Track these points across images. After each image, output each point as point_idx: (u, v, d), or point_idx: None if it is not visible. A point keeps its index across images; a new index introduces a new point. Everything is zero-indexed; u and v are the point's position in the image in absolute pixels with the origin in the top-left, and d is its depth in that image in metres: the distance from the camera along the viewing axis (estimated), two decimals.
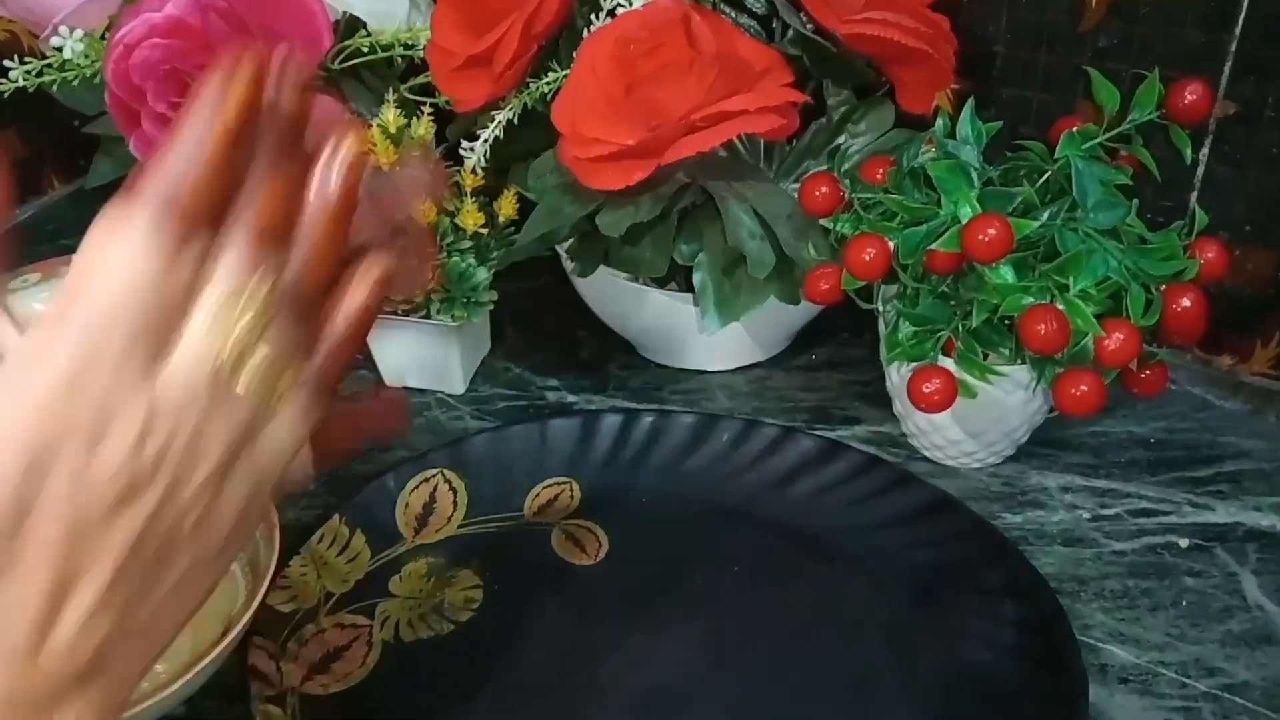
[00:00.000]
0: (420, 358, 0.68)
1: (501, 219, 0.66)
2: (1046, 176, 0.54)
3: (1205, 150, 0.62)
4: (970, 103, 0.55)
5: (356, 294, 0.33)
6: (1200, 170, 0.63)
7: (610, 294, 0.67)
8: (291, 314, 0.30)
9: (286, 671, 0.50)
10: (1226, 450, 0.63)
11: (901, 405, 0.61)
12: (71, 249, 0.81)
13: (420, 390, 0.70)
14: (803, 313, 0.68)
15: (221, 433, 0.29)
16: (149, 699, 0.45)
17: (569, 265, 0.65)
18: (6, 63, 0.69)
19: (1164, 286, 0.50)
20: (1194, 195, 0.62)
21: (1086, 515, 0.59)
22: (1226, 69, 0.59)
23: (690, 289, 0.62)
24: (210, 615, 0.52)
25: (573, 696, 0.50)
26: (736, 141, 0.63)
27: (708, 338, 0.66)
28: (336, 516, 0.57)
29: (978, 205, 0.51)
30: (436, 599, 0.55)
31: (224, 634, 0.47)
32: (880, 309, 0.58)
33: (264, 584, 0.50)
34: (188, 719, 0.50)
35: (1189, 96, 0.53)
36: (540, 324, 0.76)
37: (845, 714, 0.49)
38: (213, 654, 0.46)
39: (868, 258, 0.52)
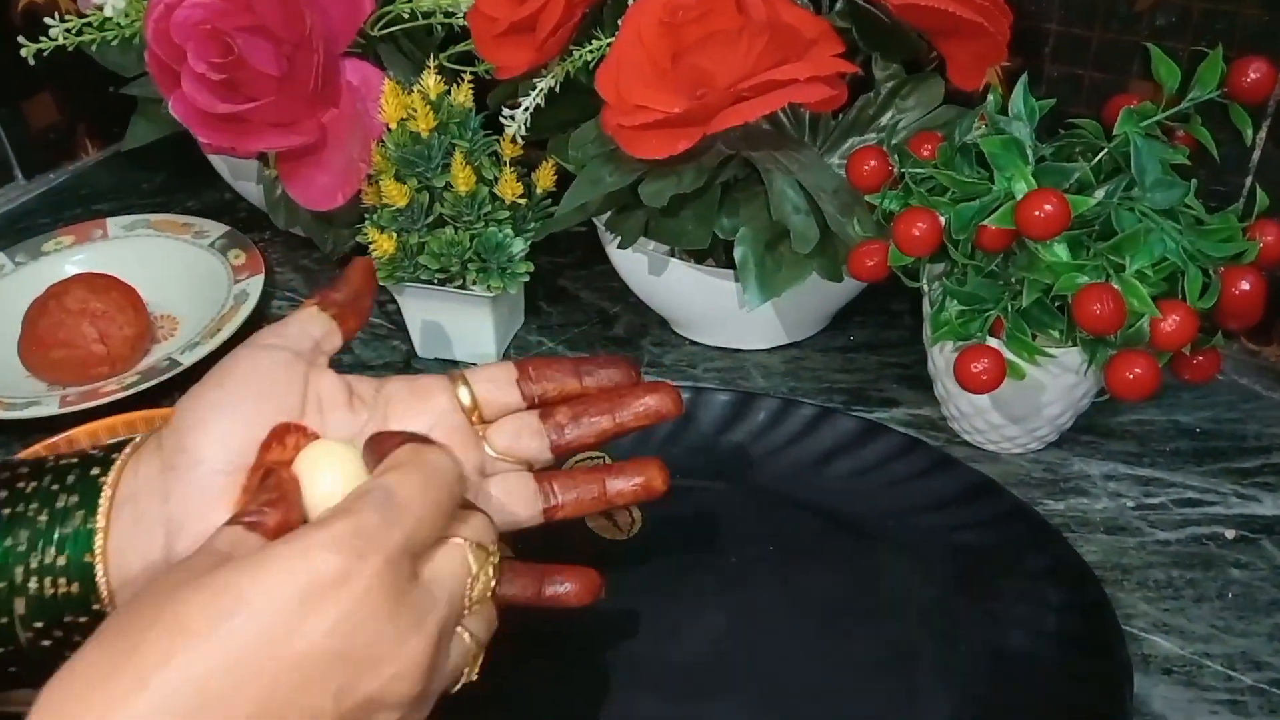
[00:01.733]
0: (454, 328, 0.67)
1: (539, 190, 0.65)
2: (1102, 155, 0.52)
3: (1262, 133, 0.60)
4: (1024, 79, 0.54)
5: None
6: (1256, 154, 0.61)
7: (647, 269, 0.66)
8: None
9: None
10: (1274, 441, 0.61)
11: (943, 388, 0.60)
12: (104, 213, 0.82)
13: (453, 361, 0.69)
14: (840, 293, 0.67)
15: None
16: None
17: (607, 238, 0.64)
18: (47, 20, 0.69)
19: (1222, 269, 0.49)
20: (1249, 179, 0.60)
21: (1130, 504, 0.58)
22: None
23: (727, 264, 0.61)
24: None
25: (605, 672, 0.49)
26: (781, 115, 0.62)
27: (743, 316, 0.66)
28: None
29: (1033, 181, 0.49)
30: None
31: None
32: (926, 288, 0.57)
33: None
34: None
35: (1252, 75, 0.51)
36: (575, 299, 0.75)
37: (881, 697, 0.48)
38: None
39: (918, 233, 0.50)
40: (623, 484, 0.45)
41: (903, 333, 0.70)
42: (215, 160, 0.78)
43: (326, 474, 0.39)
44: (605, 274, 0.72)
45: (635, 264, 0.66)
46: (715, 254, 0.64)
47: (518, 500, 0.44)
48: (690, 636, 0.51)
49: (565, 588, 0.44)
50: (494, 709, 0.48)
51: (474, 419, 0.44)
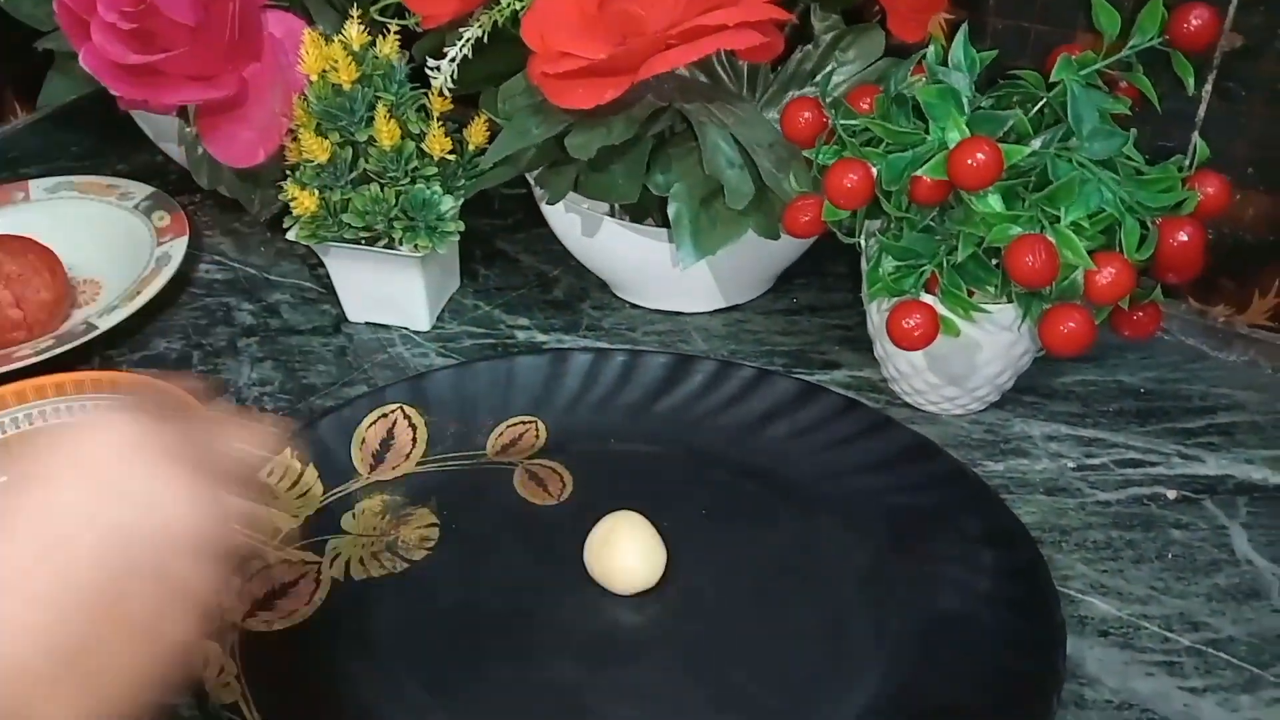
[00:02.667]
0: (384, 291, 0.65)
1: (471, 147, 0.63)
2: (1041, 105, 0.51)
3: (1208, 87, 0.59)
4: (964, 28, 0.52)
5: None
6: (1202, 108, 0.60)
7: (584, 229, 0.64)
8: None
9: (228, 607, 0.48)
10: (1220, 402, 0.60)
11: (882, 348, 0.59)
12: (31, 176, 0.78)
13: (384, 326, 0.67)
14: (783, 253, 0.65)
15: None
16: None
17: (539, 193, 0.62)
18: None
19: (1160, 220, 0.47)
20: (1195, 134, 0.59)
21: (1071, 464, 0.56)
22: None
23: (665, 224, 0.60)
24: None
25: (527, 638, 0.48)
26: (717, 66, 0.60)
27: (683, 278, 0.64)
28: (287, 450, 0.55)
29: (966, 130, 0.48)
30: (390, 537, 0.53)
31: None
32: (863, 244, 0.55)
33: None
34: None
35: (1194, 22, 0.50)
36: (514, 263, 0.73)
37: (814, 660, 0.47)
38: None
39: (849, 184, 0.49)
40: None
41: (846, 295, 0.68)
42: (139, 120, 0.75)
43: (631, 546, 0.48)
44: (545, 237, 0.70)
45: (572, 224, 0.64)
46: (654, 214, 0.63)
47: None
48: (618, 601, 0.49)
49: None
50: (416, 675, 0.46)
51: None
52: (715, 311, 0.68)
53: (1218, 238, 0.63)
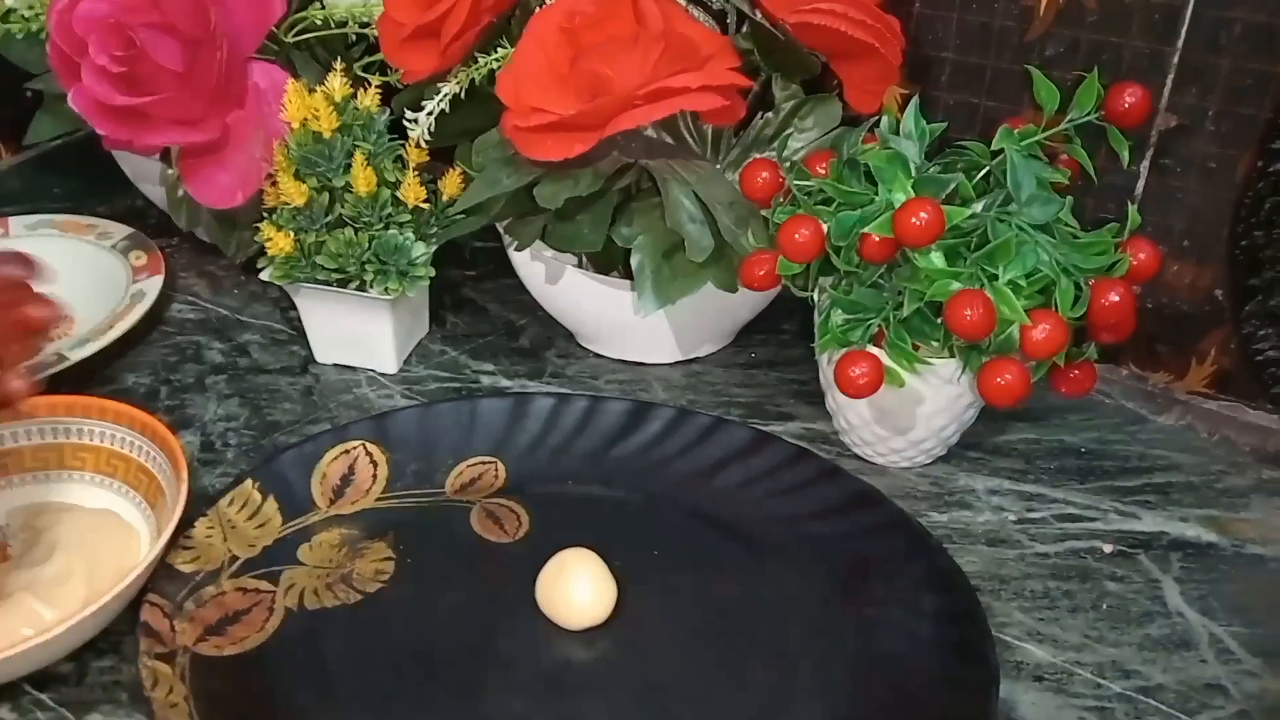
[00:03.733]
0: (353, 332, 0.66)
1: (445, 197, 0.65)
2: (985, 172, 0.54)
3: (1145, 163, 0.62)
4: (915, 99, 0.55)
5: None
6: (1140, 183, 0.63)
7: (551, 278, 0.66)
8: None
9: (180, 630, 0.48)
10: (1157, 463, 0.63)
11: (834, 400, 0.61)
12: (15, 213, 0.79)
13: (351, 367, 0.68)
14: (742, 309, 0.68)
15: None
16: (32, 641, 0.43)
17: (508, 241, 0.64)
18: None
19: (1092, 281, 0.50)
20: (1134, 206, 0.62)
21: (1012, 517, 0.58)
22: (1169, 80, 0.59)
23: (631, 278, 0.62)
24: (108, 570, 0.51)
25: (477, 672, 0.49)
26: (683, 129, 0.62)
27: (646, 330, 0.66)
28: (249, 481, 0.56)
29: (911, 191, 0.50)
30: (346, 569, 0.53)
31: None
32: (815, 299, 0.58)
33: (161, 541, 0.48)
34: (74, 676, 0.48)
35: (1128, 99, 0.53)
36: (482, 311, 0.75)
37: (756, 698, 0.48)
38: (101, 601, 0.45)
39: (800, 238, 0.51)
40: None
41: (803, 351, 0.70)
42: (120, 161, 0.77)
43: (582, 580, 0.50)
44: (514, 288, 0.72)
45: (539, 273, 0.66)
46: (619, 267, 0.65)
47: None
48: (568, 638, 0.50)
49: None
50: (365, 706, 0.47)
51: None
52: (676, 363, 0.70)
53: (1156, 307, 0.66)
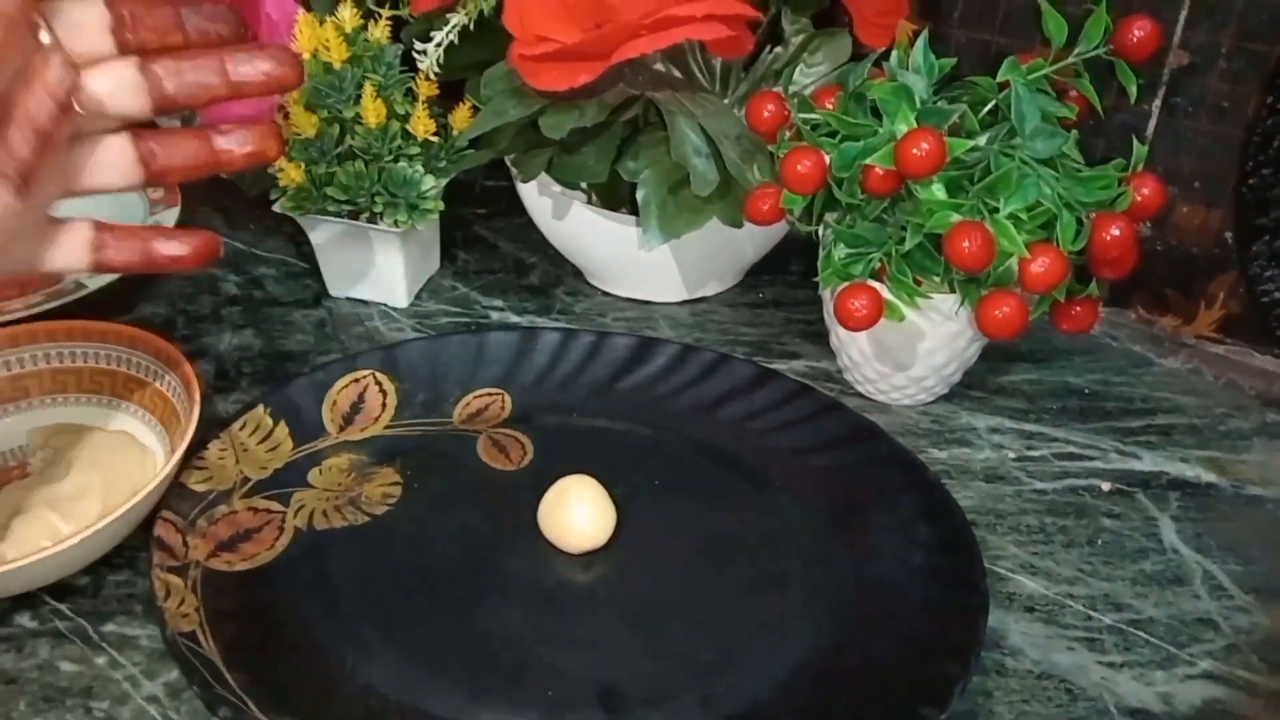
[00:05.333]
0: (365, 265, 0.67)
1: (455, 132, 0.65)
2: (990, 106, 0.53)
3: (1157, 103, 0.62)
4: (924, 34, 0.55)
5: (41, 85, 0.36)
6: (1151, 123, 0.62)
7: (560, 214, 0.67)
8: None
9: (192, 545, 0.50)
10: (1161, 404, 0.63)
11: (837, 336, 0.61)
12: None
13: (363, 301, 0.69)
14: (750, 248, 0.68)
15: None
16: (49, 550, 0.45)
17: (516, 175, 0.65)
18: None
19: (1094, 215, 0.50)
20: (1146, 147, 0.62)
21: (1011, 455, 0.59)
22: (1182, 16, 0.59)
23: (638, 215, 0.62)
24: (123, 487, 0.52)
25: (477, 590, 0.50)
26: (691, 63, 0.62)
27: (654, 268, 0.67)
28: (261, 406, 0.57)
29: (914, 122, 0.50)
30: (354, 492, 0.55)
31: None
32: (820, 234, 0.58)
33: (174, 459, 0.50)
34: (91, 589, 0.50)
35: (1137, 33, 0.52)
36: (492, 249, 0.75)
37: (748, 620, 0.49)
38: (116, 514, 0.46)
39: (802, 169, 0.51)
40: (234, 146, 0.42)
41: (809, 292, 0.71)
42: None
43: (582, 504, 0.51)
44: (524, 226, 0.73)
45: (548, 209, 0.67)
46: (628, 205, 0.65)
47: (112, 167, 0.40)
48: (568, 560, 0.51)
49: (177, 249, 0.43)
50: (369, 617, 0.48)
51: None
52: (683, 302, 0.70)
53: (1165, 250, 0.65)
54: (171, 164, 0.41)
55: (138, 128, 0.41)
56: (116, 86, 0.39)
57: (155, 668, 0.46)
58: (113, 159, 0.40)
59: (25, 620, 0.48)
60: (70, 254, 0.41)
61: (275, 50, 0.40)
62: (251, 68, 0.40)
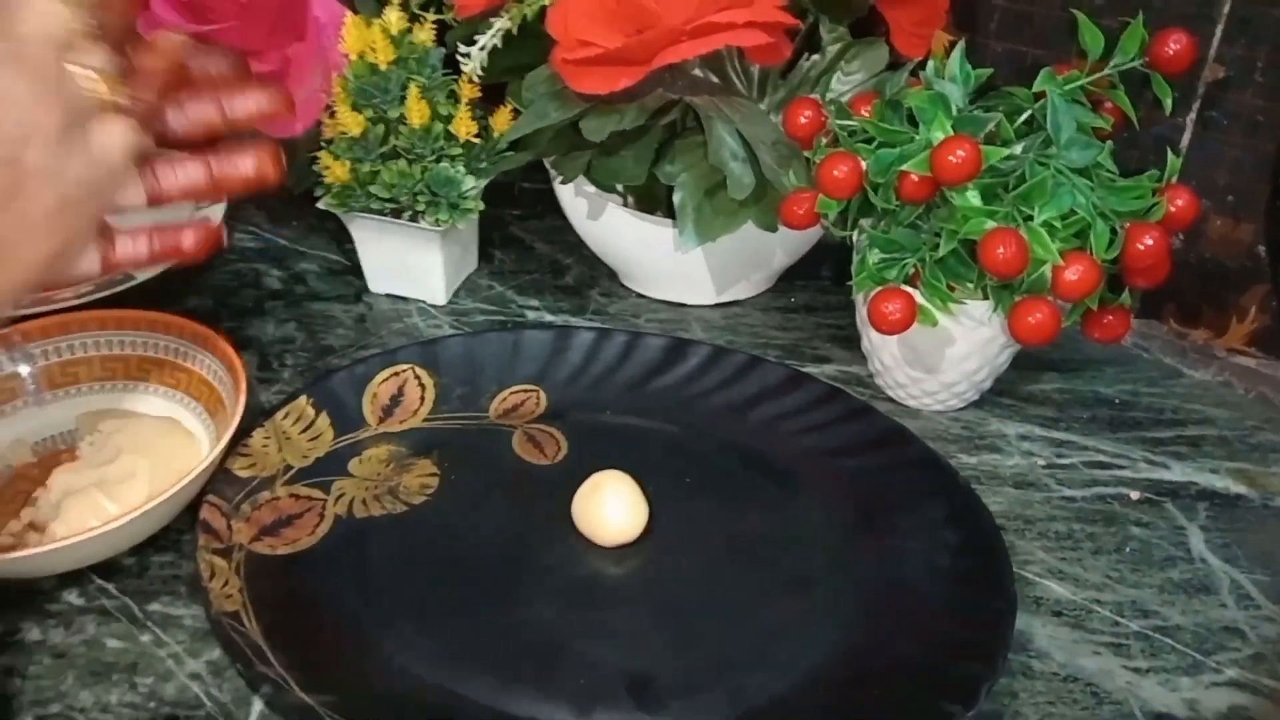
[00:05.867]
0: (405, 263, 0.69)
1: (496, 134, 0.67)
2: (1026, 115, 0.54)
3: (1192, 116, 0.62)
4: (961, 44, 0.56)
5: (161, 42, 0.40)
6: (1186, 136, 0.63)
7: (596, 216, 0.68)
8: (107, 39, 0.37)
9: (236, 529, 0.51)
10: (1191, 416, 0.63)
11: (869, 341, 0.62)
12: None
13: (403, 298, 0.71)
14: (782, 252, 0.69)
15: (55, 100, 0.35)
16: (98, 530, 0.46)
17: (554, 176, 0.66)
18: None
19: (1128, 225, 0.50)
20: (1180, 160, 0.62)
21: (1041, 462, 0.59)
22: (1219, 31, 0.59)
23: (674, 218, 0.63)
24: (170, 471, 0.54)
25: (511, 580, 0.51)
26: (729, 70, 0.64)
27: (688, 271, 0.68)
28: (304, 397, 0.58)
29: (950, 130, 0.51)
30: (393, 482, 0.56)
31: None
32: (854, 240, 0.59)
33: (220, 446, 0.51)
34: (136, 569, 0.51)
35: (1173, 46, 0.53)
36: (529, 250, 0.77)
37: (774, 618, 0.49)
38: (163, 496, 0.48)
39: (838, 174, 0.52)
40: (230, 170, 0.43)
41: (841, 297, 0.71)
42: None
43: (616, 499, 0.52)
44: (561, 229, 0.74)
45: (585, 211, 0.68)
46: (664, 208, 0.66)
47: (123, 189, 0.41)
48: (600, 553, 0.52)
49: (180, 241, 0.44)
50: (404, 604, 0.49)
51: None
52: (716, 305, 0.71)
53: (1198, 263, 0.66)
54: (171, 186, 0.42)
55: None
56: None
57: (198, 646, 0.48)
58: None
59: (73, 598, 0.50)
60: (85, 259, 0.42)
61: (269, 86, 0.43)
62: (251, 104, 0.42)
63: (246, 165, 0.43)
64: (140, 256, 0.44)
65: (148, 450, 0.55)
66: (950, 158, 0.49)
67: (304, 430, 0.57)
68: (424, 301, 0.70)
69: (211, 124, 0.42)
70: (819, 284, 0.73)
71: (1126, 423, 0.62)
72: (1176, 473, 0.59)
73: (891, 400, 0.63)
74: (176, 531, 0.53)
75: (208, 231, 0.45)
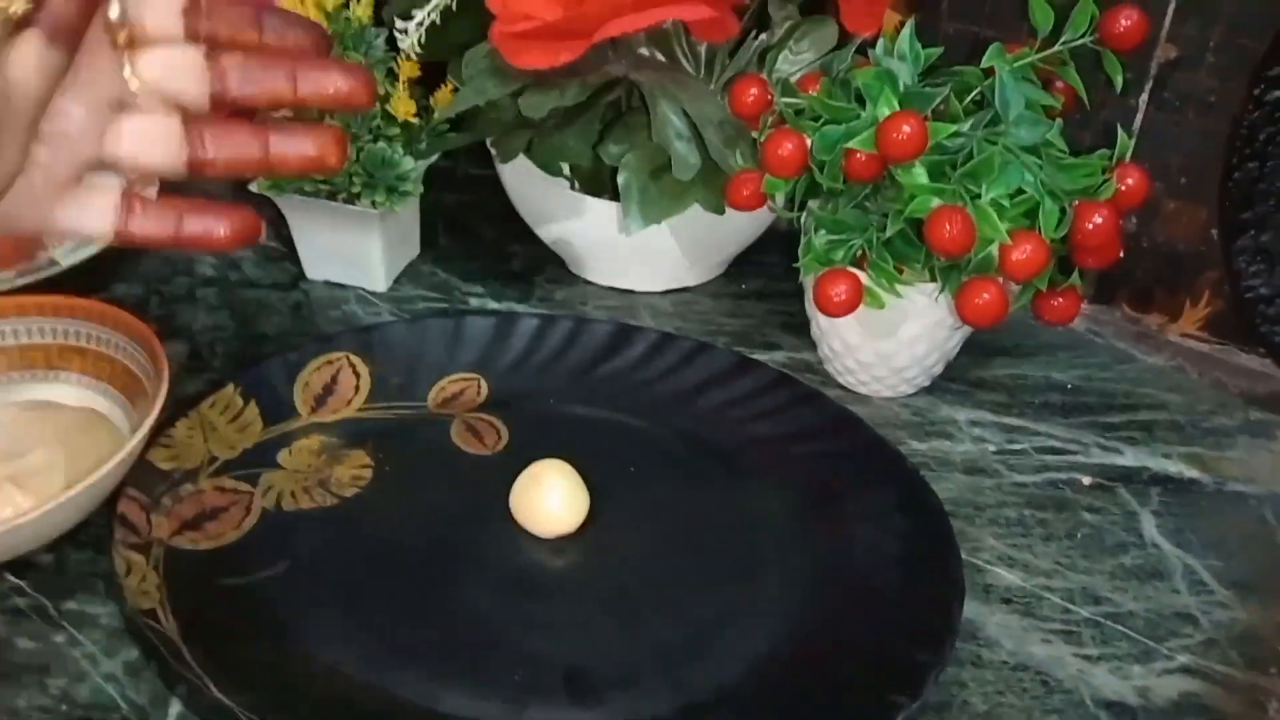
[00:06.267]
0: (343, 248, 0.66)
1: (437, 114, 0.65)
2: (975, 94, 0.53)
3: (1144, 96, 0.61)
4: (911, 22, 0.54)
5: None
6: (1139, 117, 0.62)
7: (543, 201, 0.66)
8: None
9: (156, 524, 0.49)
10: (1144, 400, 0.62)
11: (818, 327, 0.61)
12: None
13: (341, 285, 0.68)
14: (732, 238, 0.67)
15: None
16: (4, 524, 0.44)
17: (497, 156, 0.64)
18: None
19: (1077, 203, 0.49)
20: (1133, 141, 0.61)
21: (992, 448, 0.58)
22: (1170, 9, 0.58)
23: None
24: (88, 464, 0.51)
25: (445, 574, 0.49)
26: (675, 47, 0.62)
27: (636, 256, 0.66)
28: (231, 385, 0.56)
29: (897, 105, 0.50)
30: (324, 474, 0.54)
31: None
32: (801, 223, 0.57)
33: (139, 435, 0.49)
34: (53, 566, 0.49)
35: (1124, 22, 0.52)
36: (474, 236, 0.75)
37: (722, 604, 0.48)
38: (76, 489, 0.45)
39: (784, 152, 0.51)
40: (290, 149, 0.38)
41: (793, 284, 0.69)
42: None
43: (555, 489, 0.50)
44: (507, 215, 0.72)
45: (529, 195, 0.66)
46: (608, 192, 0.64)
47: (154, 143, 0.37)
48: (539, 544, 0.51)
49: (214, 227, 0.39)
50: (334, 598, 0.47)
51: (120, 40, 0.36)
52: (665, 292, 0.70)
53: (1151, 247, 0.65)
54: (218, 155, 0.37)
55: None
56: (177, 68, 0.36)
57: (115, 645, 0.45)
58: (157, 134, 0.37)
59: None
60: (94, 216, 0.38)
61: (354, 69, 0.38)
62: (328, 83, 0.37)
63: (308, 146, 0.38)
64: (163, 234, 0.39)
65: (66, 442, 0.52)
66: (896, 134, 0.48)
67: (231, 420, 0.55)
68: (363, 289, 0.68)
69: (279, 95, 0.37)
70: (770, 270, 0.72)
71: (1079, 408, 0.61)
72: (1129, 458, 0.58)
73: (841, 387, 0.62)
74: (98, 526, 0.50)
75: (246, 221, 0.39)
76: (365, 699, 0.43)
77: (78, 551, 0.50)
